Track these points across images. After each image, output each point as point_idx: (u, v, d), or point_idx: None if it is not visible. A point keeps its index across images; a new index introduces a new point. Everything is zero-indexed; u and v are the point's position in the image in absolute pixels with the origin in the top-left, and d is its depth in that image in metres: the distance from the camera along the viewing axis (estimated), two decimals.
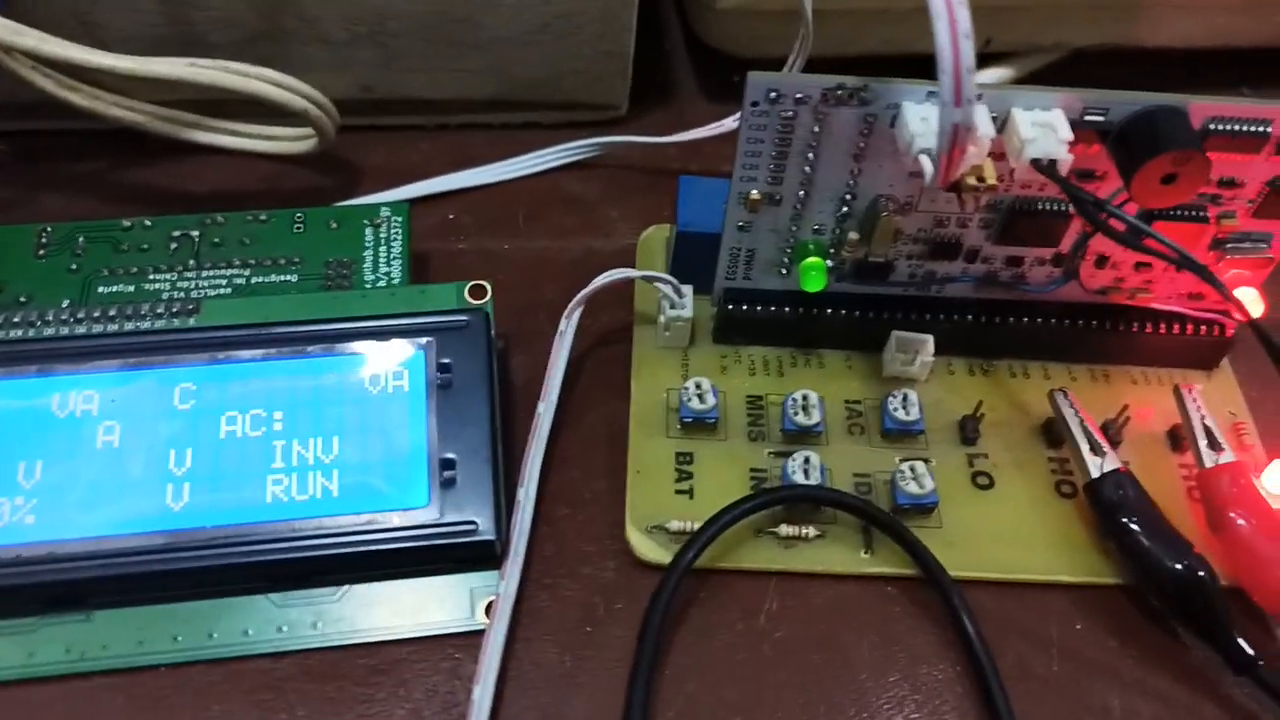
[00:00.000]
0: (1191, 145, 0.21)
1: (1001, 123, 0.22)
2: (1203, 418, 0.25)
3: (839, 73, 0.22)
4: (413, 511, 0.21)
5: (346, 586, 0.22)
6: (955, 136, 0.19)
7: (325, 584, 0.22)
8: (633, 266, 0.28)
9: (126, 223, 0.27)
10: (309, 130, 0.29)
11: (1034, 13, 0.33)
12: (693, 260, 0.26)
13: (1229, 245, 0.25)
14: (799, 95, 0.22)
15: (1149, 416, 0.26)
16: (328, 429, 0.22)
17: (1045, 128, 0.21)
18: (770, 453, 0.25)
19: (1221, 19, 0.34)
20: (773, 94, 0.22)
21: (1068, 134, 0.21)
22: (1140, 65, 0.34)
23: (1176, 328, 0.26)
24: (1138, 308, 0.26)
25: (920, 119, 0.21)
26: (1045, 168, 0.21)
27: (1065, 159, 0.21)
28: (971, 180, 0.22)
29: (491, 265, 0.29)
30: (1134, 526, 0.23)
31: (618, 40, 0.31)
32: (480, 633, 0.21)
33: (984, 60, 0.34)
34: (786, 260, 0.25)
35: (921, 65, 0.21)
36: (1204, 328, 0.26)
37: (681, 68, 0.35)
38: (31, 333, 0.23)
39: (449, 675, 0.21)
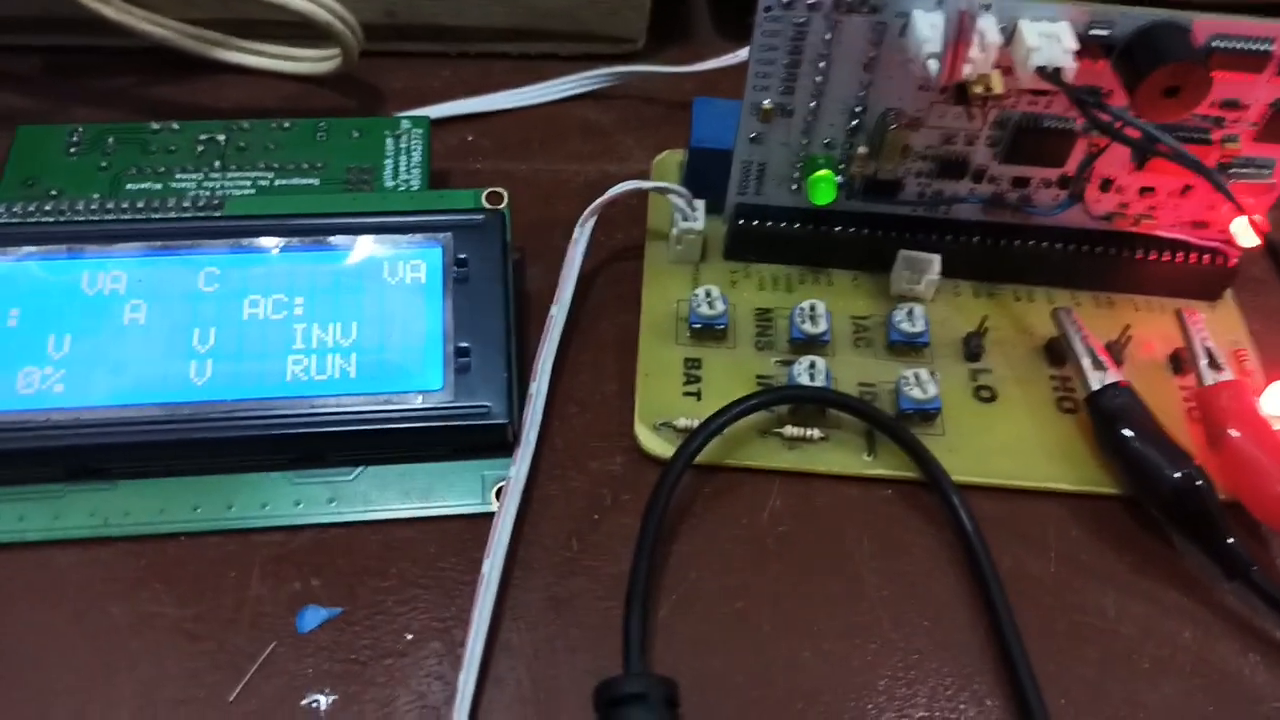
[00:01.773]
0: (1193, 59, 0.22)
1: (1009, 34, 0.22)
2: (1204, 340, 0.25)
3: None
4: (428, 394, 0.22)
5: (362, 467, 0.23)
6: (961, 25, 0.19)
7: (342, 463, 0.22)
8: None
9: (155, 125, 0.27)
10: (333, 51, 0.30)
11: None
12: (705, 177, 0.27)
13: (1232, 170, 0.25)
14: (811, 1, 0.22)
15: (1152, 342, 0.27)
16: (347, 315, 0.23)
17: (1051, 38, 0.22)
18: (777, 361, 0.25)
19: None
20: (785, 0, 0.22)
21: (1073, 43, 0.22)
22: (1161, 2, 0.34)
23: (1180, 256, 0.27)
24: (1142, 235, 0.27)
25: (930, 25, 0.22)
26: (1050, 75, 0.22)
27: (1070, 67, 0.22)
28: (979, 89, 0.22)
29: (509, 184, 0.29)
30: (1132, 435, 0.23)
31: None
32: (490, 515, 0.22)
33: None
34: (797, 175, 0.26)
35: None
36: (1207, 256, 0.27)
37: (699, 5, 0.36)
38: (61, 219, 0.24)
39: (459, 555, 0.22)
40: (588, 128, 0.32)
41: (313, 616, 0.21)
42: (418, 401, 0.22)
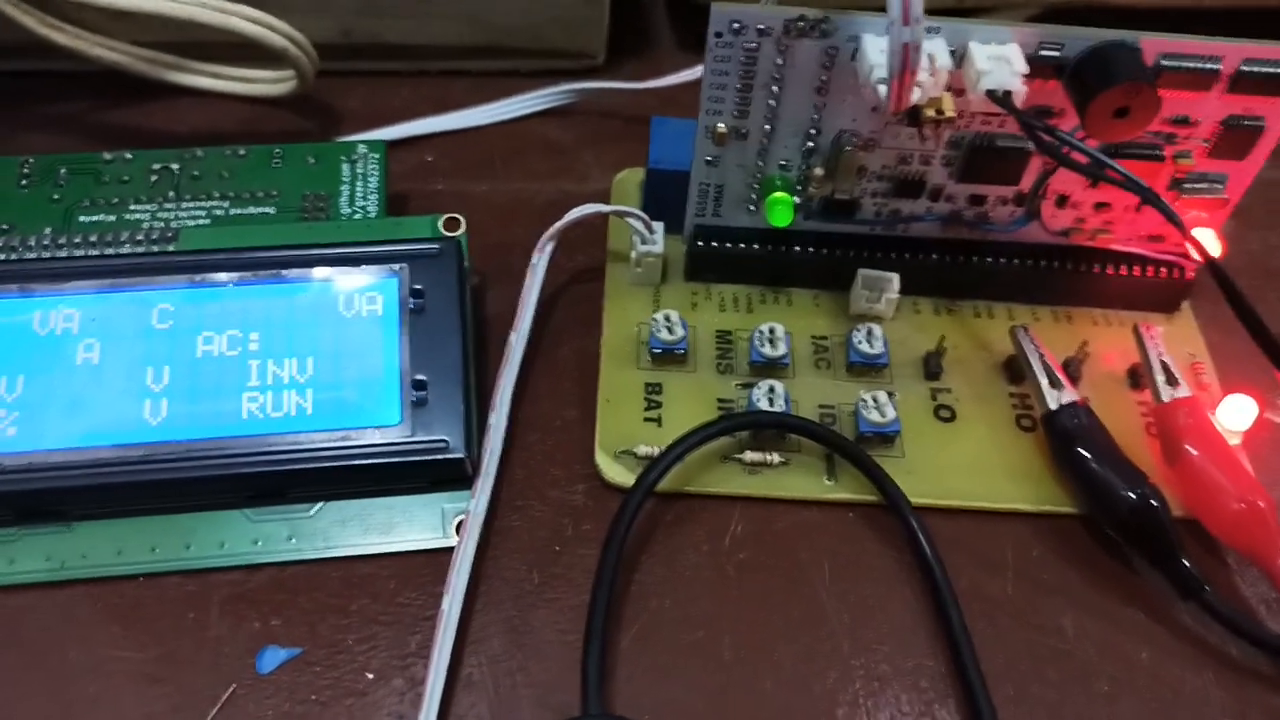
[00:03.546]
0: (1142, 78, 0.22)
1: (960, 57, 0.22)
2: (1160, 355, 0.25)
3: None
4: (385, 429, 0.22)
5: (321, 503, 0.22)
6: (905, 56, 0.19)
7: (300, 499, 0.22)
8: None
9: (108, 155, 0.27)
10: (288, 73, 0.30)
11: None
12: (664, 198, 0.27)
13: (1186, 185, 0.25)
14: (761, 26, 0.22)
15: (1110, 357, 0.27)
16: (302, 350, 0.23)
17: (1001, 60, 0.22)
18: (738, 384, 0.25)
19: None
20: (735, 25, 0.22)
21: (1022, 66, 0.22)
22: (1116, 24, 0.35)
23: (1137, 269, 0.27)
24: (1099, 249, 0.27)
25: (879, 50, 0.22)
26: (1000, 98, 0.22)
27: (1019, 90, 0.22)
28: (930, 112, 0.22)
29: (468, 206, 0.29)
30: (1088, 456, 0.24)
31: None
32: (451, 550, 0.22)
33: (960, 16, 0.34)
34: (755, 196, 0.26)
35: None
36: (1164, 270, 0.27)
37: (659, 20, 0.36)
38: (12, 256, 0.24)
39: (420, 590, 0.22)
40: (548, 145, 0.32)
41: (272, 657, 0.21)
42: (375, 437, 0.22)
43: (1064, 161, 0.22)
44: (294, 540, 0.22)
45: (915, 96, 0.22)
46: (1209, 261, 0.22)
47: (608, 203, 0.29)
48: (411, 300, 0.23)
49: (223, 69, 0.31)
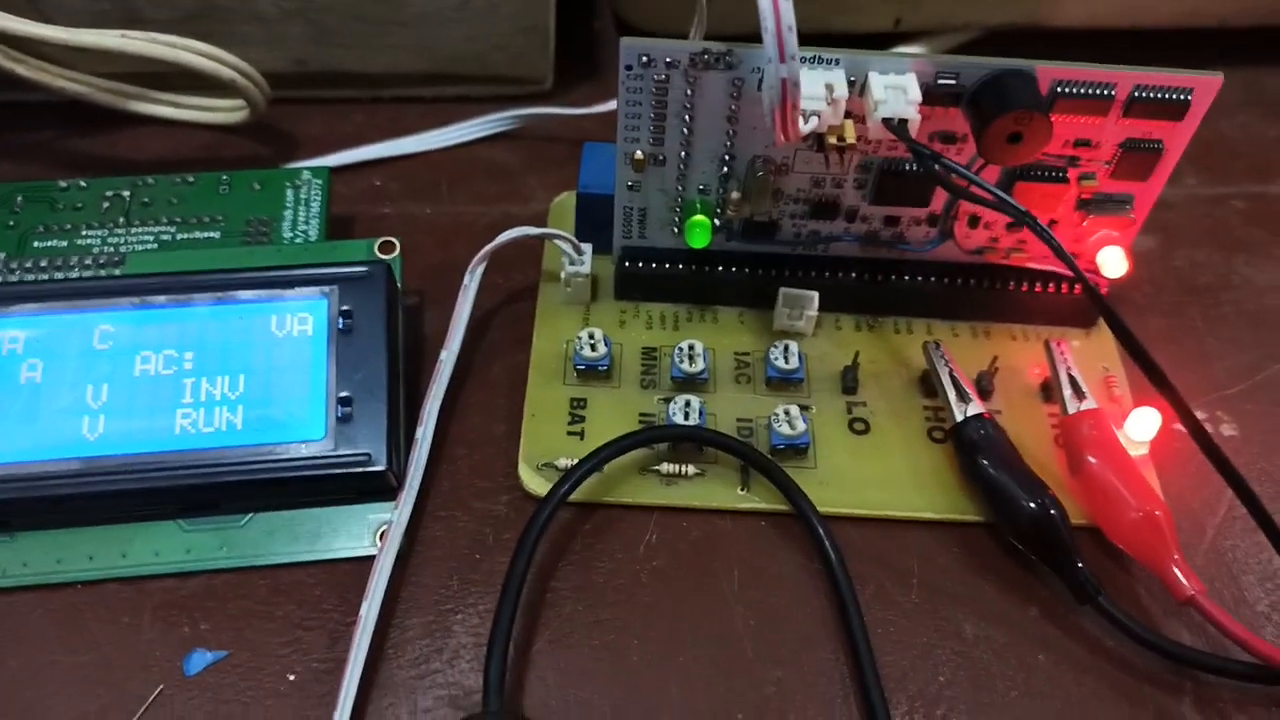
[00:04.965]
0: (1034, 105, 0.23)
1: (860, 86, 0.24)
2: (1069, 369, 0.26)
3: None
4: (310, 444, 0.23)
5: (251, 514, 0.24)
6: (784, 90, 0.20)
7: (231, 510, 0.23)
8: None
9: (63, 183, 0.28)
10: (242, 101, 0.31)
11: None
12: (594, 220, 0.28)
13: (1093, 205, 0.26)
14: (669, 59, 0.23)
15: (1025, 371, 0.28)
16: (234, 368, 0.24)
17: (897, 90, 0.23)
18: (660, 399, 0.26)
19: (1131, 0, 0.35)
20: (644, 58, 0.23)
21: (917, 95, 0.23)
22: (1053, 46, 0.35)
23: (1051, 287, 0.28)
24: (1014, 267, 0.28)
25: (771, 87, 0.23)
26: (895, 127, 0.23)
27: (914, 119, 0.23)
28: (833, 139, 0.23)
29: (412, 228, 0.30)
30: (990, 466, 0.24)
31: (538, 17, 0.32)
32: (374, 558, 0.23)
33: (896, 40, 0.36)
34: (677, 219, 0.27)
35: (841, 42, 0.23)
36: (1078, 286, 0.28)
37: (609, 45, 0.37)
38: None
39: (343, 597, 0.23)
40: (494, 169, 0.33)
41: (199, 660, 0.22)
42: (302, 451, 0.23)
43: (953, 189, 0.23)
44: (225, 549, 0.23)
45: (813, 125, 0.23)
46: (1082, 280, 0.23)
47: (546, 225, 0.31)
48: (340, 320, 0.25)
49: (182, 98, 0.32)
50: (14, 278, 0.25)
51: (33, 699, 0.22)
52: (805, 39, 0.29)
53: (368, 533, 0.24)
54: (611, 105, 0.33)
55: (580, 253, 0.28)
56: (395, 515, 0.23)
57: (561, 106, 0.34)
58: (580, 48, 0.36)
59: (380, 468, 0.23)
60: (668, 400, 0.26)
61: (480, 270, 0.27)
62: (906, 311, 0.28)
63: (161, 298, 0.25)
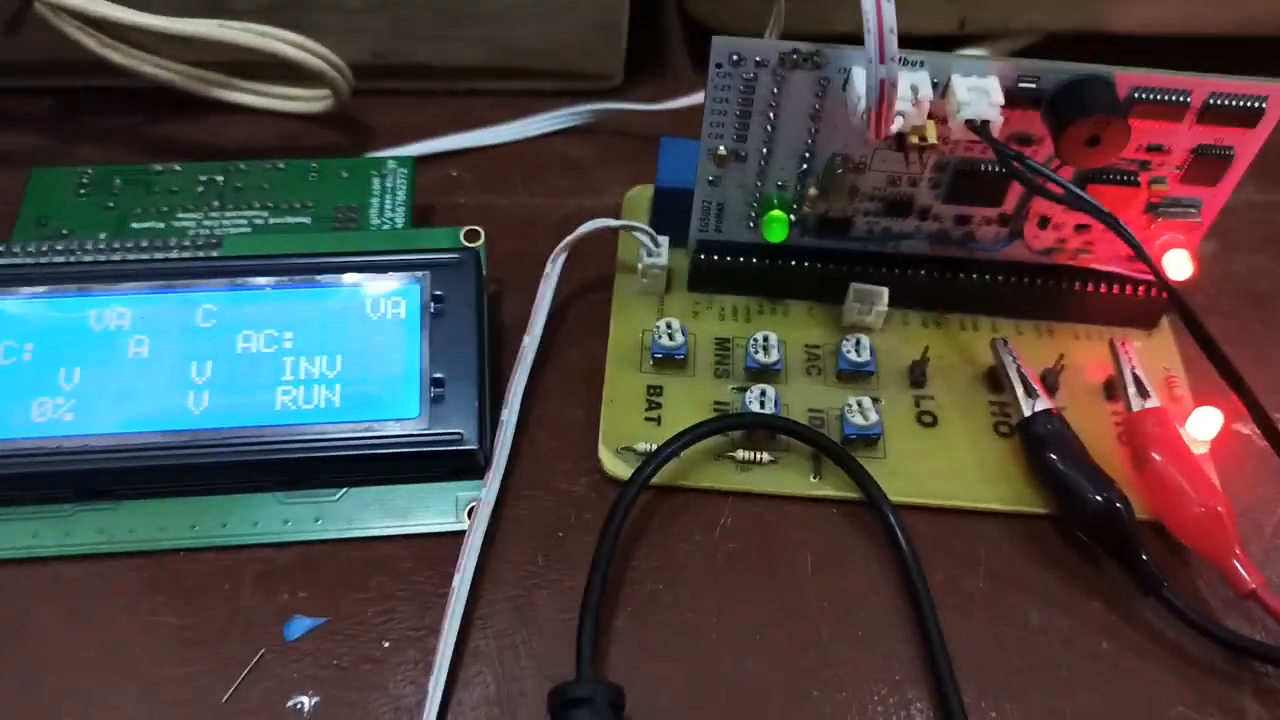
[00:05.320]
0: (1112, 110, 0.24)
1: (943, 88, 0.24)
2: (1133, 368, 0.27)
3: None
4: (404, 422, 0.24)
5: (345, 489, 0.25)
6: (882, 91, 0.21)
7: (327, 485, 0.24)
8: None
9: (158, 168, 0.30)
10: (325, 91, 0.32)
11: None
12: (670, 213, 0.29)
13: (1161, 209, 0.27)
14: (759, 59, 0.24)
15: (1088, 369, 0.28)
16: (332, 348, 0.25)
17: (980, 92, 0.24)
18: (734, 388, 0.27)
19: (1190, 6, 0.36)
20: (735, 57, 0.24)
21: (999, 98, 0.24)
22: (1114, 53, 0.36)
23: (1116, 288, 0.29)
24: (1080, 268, 0.29)
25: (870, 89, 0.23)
26: (978, 128, 0.24)
27: (996, 120, 0.24)
28: (914, 139, 0.24)
29: (488, 219, 0.31)
30: (1058, 460, 0.25)
31: (613, 14, 0.33)
32: (462, 533, 0.24)
33: (960, 42, 0.36)
34: (754, 214, 0.28)
35: (904, 43, 0.23)
36: (1142, 288, 0.29)
37: (676, 43, 0.38)
38: (71, 259, 0.26)
39: (433, 570, 0.24)
40: (566, 162, 0.34)
41: (298, 626, 0.23)
42: (396, 429, 0.24)
43: (1034, 188, 0.24)
44: (320, 521, 0.24)
45: (898, 125, 0.23)
46: (1167, 286, 0.23)
47: (620, 218, 0.31)
48: (433, 305, 0.25)
49: (265, 87, 0.33)
50: (115, 257, 0.26)
51: (140, 658, 0.23)
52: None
53: (456, 509, 0.25)
54: (681, 102, 0.34)
55: (658, 245, 0.28)
56: (484, 494, 0.24)
57: (632, 102, 0.34)
58: (647, 45, 0.37)
59: (472, 447, 0.24)
60: (742, 390, 0.27)
61: (562, 259, 0.28)
62: (973, 309, 0.29)
63: (261, 279, 0.25)
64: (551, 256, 0.28)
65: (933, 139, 0.24)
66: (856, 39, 0.30)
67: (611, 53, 0.34)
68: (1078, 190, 0.24)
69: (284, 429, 0.24)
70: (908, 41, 0.25)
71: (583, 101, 0.34)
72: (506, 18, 0.33)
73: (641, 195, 0.32)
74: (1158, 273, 0.24)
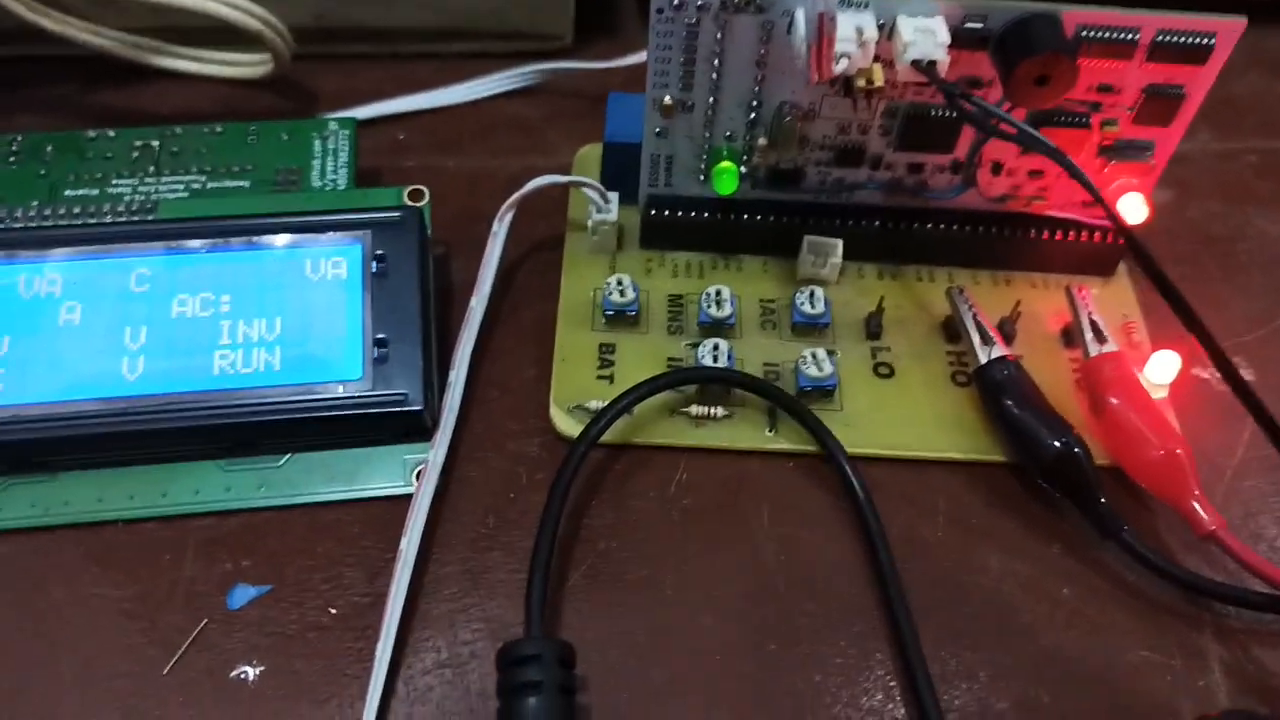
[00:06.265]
0: (1060, 48, 0.23)
1: (889, 30, 0.24)
2: (1090, 314, 0.27)
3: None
4: (347, 383, 0.23)
5: (289, 454, 0.24)
6: (821, 26, 0.21)
7: (270, 450, 0.24)
8: None
9: (91, 133, 0.29)
10: (265, 56, 0.31)
11: None
12: (620, 169, 0.28)
13: (1114, 151, 0.27)
14: (700, 3, 0.24)
15: (1046, 317, 0.28)
16: (271, 311, 0.24)
17: (926, 32, 0.23)
18: (687, 344, 0.27)
19: None
20: (676, 2, 0.24)
21: (946, 37, 0.23)
22: None
23: (1072, 234, 0.28)
24: (1035, 215, 0.28)
25: (809, 23, 0.23)
26: (925, 68, 0.23)
27: (943, 60, 0.23)
28: (861, 82, 0.24)
29: (436, 180, 0.30)
30: (1015, 406, 0.25)
31: None
32: (410, 497, 0.23)
33: None
34: (703, 166, 0.27)
35: None
36: (1098, 235, 0.28)
37: (627, 1, 0.37)
38: (1, 227, 0.25)
39: (381, 534, 0.23)
40: (516, 123, 0.33)
41: (242, 594, 0.22)
42: (339, 391, 0.23)
43: (984, 127, 0.24)
44: (264, 489, 0.24)
45: (843, 67, 0.23)
46: (1121, 228, 0.23)
47: (571, 175, 0.31)
48: (374, 264, 0.25)
49: (203, 53, 0.32)
50: (46, 224, 0.26)
51: (78, 632, 0.22)
52: None
53: (404, 472, 0.24)
54: (632, 59, 0.33)
55: (607, 200, 0.28)
56: (432, 455, 0.24)
57: (582, 61, 0.34)
58: (598, 3, 0.36)
59: (417, 408, 0.23)
60: (695, 345, 0.26)
61: (509, 218, 0.27)
62: (929, 259, 0.29)
63: (196, 242, 0.25)
64: (498, 215, 0.27)
65: (879, 82, 0.24)
66: None
67: (559, 12, 0.34)
68: (1028, 129, 0.23)
69: (222, 393, 0.23)
70: None
71: (531, 62, 0.34)
72: None
73: (592, 154, 0.31)
74: (1112, 215, 0.23)
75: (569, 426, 0.25)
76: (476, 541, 0.24)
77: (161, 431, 0.23)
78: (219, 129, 0.29)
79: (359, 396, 0.23)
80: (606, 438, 0.25)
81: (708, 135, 0.26)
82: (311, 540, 0.23)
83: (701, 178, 0.27)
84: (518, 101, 0.34)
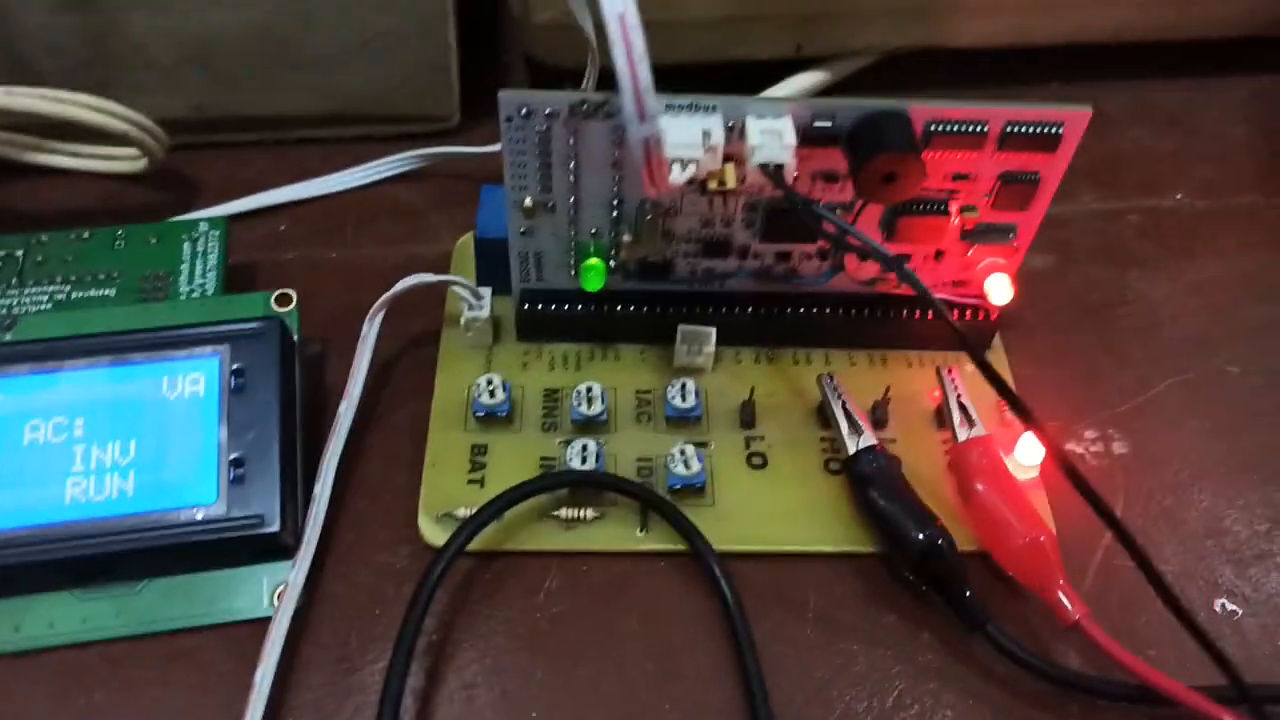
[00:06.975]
0: (907, 146, 0.23)
1: (740, 129, 0.24)
2: (958, 396, 0.27)
3: (660, 81, 0.23)
4: (202, 508, 0.23)
5: (146, 580, 0.24)
6: (647, 149, 0.21)
7: (126, 577, 0.23)
8: (450, 273, 0.30)
9: None
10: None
11: (839, 19, 0.35)
12: (494, 263, 0.28)
13: (976, 235, 0.27)
14: (548, 110, 0.24)
15: (921, 397, 0.28)
16: (125, 433, 0.24)
17: (773, 134, 0.23)
18: (560, 442, 0.27)
19: (1024, 20, 0.36)
20: (524, 110, 0.24)
21: (792, 140, 0.23)
22: (955, 66, 0.36)
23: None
24: (905, 296, 0.28)
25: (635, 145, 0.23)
26: (771, 172, 0.23)
27: (789, 163, 0.23)
28: (713, 184, 0.24)
29: (315, 273, 0.30)
30: (880, 499, 0.25)
31: (439, 55, 0.33)
32: (270, 619, 0.23)
33: (798, 66, 0.36)
34: (572, 261, 0.27)
35: (741, 71, 0.22)
36: (969, 312, 0.28)
37: (517, 80, 0.37)
38: None
39: (241, 660, 0.23)
40: (399, 210, 0.33)
41: None
42: (195, 516, 0.23)
43: (824, 235, 0.24)
44: (120, 617, 0.23)
45: (689, 173, 0.23)
46: (951, 326, 0.23)
47: (451, 266, 0.31)
48: (232, 380, 0.25)
49: (81, 148, 0.32)
50: None
51: None
52: (707, 69, 0.29)
53: (266, 594, 0.24)
54: None
55: (479, 298, 0.28)
56: (292, 575, 0.23)
57: (467, 145, 0.34)
58: (489, 84, 0.36)
59: (274, 529, 0.23)
60: (569, 443, 0.26)
61: (379, 319, 0.27)
62: (804, 343, 0.29)
63: (51, 363, 0.24)
64: (368, 316, 0.27)
65: (731, 184, 0.24)
66: (702, 66, 0.29)
67: (444, 94, 0.34)
68: (863, 236, 0.23)
69: (74, 524, 0.23)
70: (746, 68, 0.24)
71: (416, 145, 0.34)
72: (329, 64, 0.32)
73: (469, 244, 0.31)
74: (947, 320, 0.23)
75: (436, 536, 0.25)
76: (340, 662, 0.23)
77: (12, 566, 0.22)
78: (86, 234, 0.29)
79: (214, 521, 0.23)
80: (476, 545, 0.24)
81: (573, 233, 0.26)
82: (167, 669, 0.23)
83: (572, 272, 0.27)
84: (402, 186, 0.33)
